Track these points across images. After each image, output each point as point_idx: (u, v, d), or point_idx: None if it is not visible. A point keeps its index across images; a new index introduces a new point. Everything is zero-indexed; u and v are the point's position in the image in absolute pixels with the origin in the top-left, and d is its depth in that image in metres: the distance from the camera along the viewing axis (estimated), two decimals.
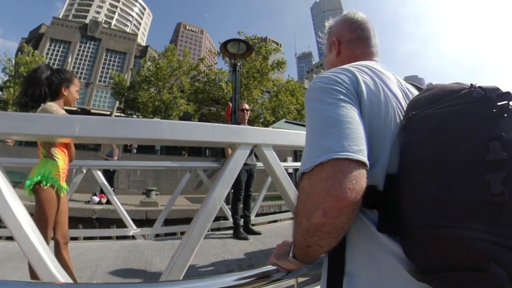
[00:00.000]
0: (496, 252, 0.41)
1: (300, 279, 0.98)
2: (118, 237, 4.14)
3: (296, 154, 10.46)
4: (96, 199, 7.67)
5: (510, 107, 0.47)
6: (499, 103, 0.47)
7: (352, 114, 0.57)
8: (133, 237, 4.02)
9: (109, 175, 8.15)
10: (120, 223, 4.39)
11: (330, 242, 0.56)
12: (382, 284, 0.55)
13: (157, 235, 4.22)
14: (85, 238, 4.21)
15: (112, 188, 8.04)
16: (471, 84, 0.52)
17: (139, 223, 5.28)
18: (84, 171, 3.88)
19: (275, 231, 4.36)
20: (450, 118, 0.50)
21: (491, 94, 0.48)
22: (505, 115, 0.46)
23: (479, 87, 0.50)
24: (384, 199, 0.56)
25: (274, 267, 0.74)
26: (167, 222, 5.01)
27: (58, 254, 1.82)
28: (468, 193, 0.44)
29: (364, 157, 0.52)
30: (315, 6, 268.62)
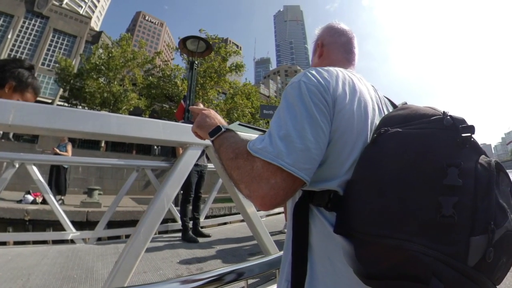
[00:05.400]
0: (439, 267, 0.46)
1: (250, 281, 1.01)
2: (55, 242, 3.80)
3: None
4: (30, 198, 6.84)
5: (472, 139, 0.52)
6: (463, 134, 0.52)
7: (319, 130, 0.60)
8: (72, 241, 3.74)
9: (64, 172, 7.37)
10: (58, 226, 4.06)
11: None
12: (336, 282, 0.60)
13: (99, 239, 3.99)
14: (16, 243, 3.77)
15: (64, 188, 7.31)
16: (444, 112, 0.57)
17: (79, 225, 4.89)
18: (17, 166, 3.50)
19: (225, 233, 4.36)
20: (418, 139, 0.55)
21: (458, 125, 0.53)
22: (467, 146, 0.51)
23: (450, 116, 0.55)
24: (343, 203, 0.60)
25: (224, 270, 0.76)
26: (111, 224, 4.75)
27: None
28: (421, 211, 0.48)
29: (307, 176, 0.58)
30: (278, 15, 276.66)
